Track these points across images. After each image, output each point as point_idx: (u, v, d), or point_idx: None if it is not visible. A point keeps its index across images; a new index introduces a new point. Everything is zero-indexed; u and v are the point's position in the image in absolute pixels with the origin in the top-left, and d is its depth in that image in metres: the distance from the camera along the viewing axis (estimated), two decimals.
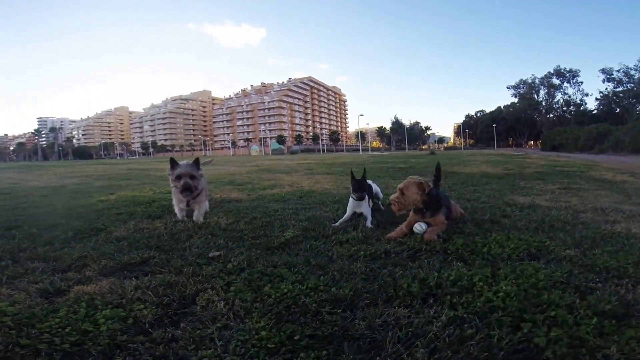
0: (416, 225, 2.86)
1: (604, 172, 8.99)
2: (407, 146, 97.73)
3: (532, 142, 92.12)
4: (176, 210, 3.64)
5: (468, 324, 1.48)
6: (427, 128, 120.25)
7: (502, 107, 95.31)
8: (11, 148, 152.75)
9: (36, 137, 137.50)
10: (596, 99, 71.42)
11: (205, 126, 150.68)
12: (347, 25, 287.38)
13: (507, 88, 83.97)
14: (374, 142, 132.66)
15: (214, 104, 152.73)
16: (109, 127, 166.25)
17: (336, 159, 21.35)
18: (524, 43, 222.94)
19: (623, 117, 58.09)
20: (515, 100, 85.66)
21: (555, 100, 77.81)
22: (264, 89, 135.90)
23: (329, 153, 67.35)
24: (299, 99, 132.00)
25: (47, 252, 2.57)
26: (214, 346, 1.38)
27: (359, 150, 79.33)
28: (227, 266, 2.19)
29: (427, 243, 2.55)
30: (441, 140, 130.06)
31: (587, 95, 75.76)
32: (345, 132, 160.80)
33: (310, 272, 2.08)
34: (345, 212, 3.48)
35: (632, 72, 61.35)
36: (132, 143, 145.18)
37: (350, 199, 3.47)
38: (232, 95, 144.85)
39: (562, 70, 74.90)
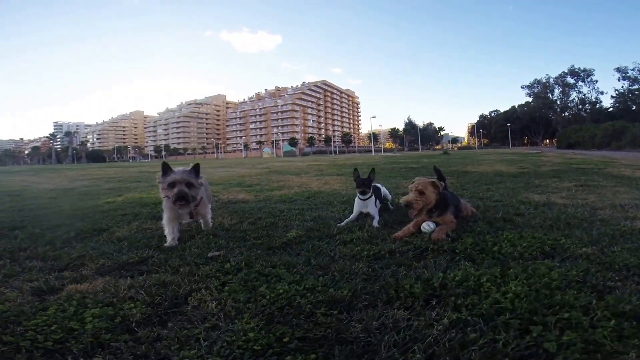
0: (424, 224, 2.77)
1: (622, 168, 8.70)
2: (420, 147, 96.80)
3: (547, 140, 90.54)
4: (166, 231, 2.79)
5: (472, 327, 1.39)
6: (441, 128, 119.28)
7: (516, 107, 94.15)
8: (26, 152, 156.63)
9: (51, 141, 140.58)
10: (612, 97, 71.25)
11: (218, 129, 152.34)
12: (360, 29, 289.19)
13: (522, 88, 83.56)
14: (387, 144, 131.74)
15: (228, 107, 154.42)
16: (124, 131, 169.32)
17: (347, 160, 21.26)
18: (537, 44, 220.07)
19: (639, 114, 56.98)
20: (530, 99, 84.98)
21: (570, 99, 77.12)
22: (277, 92, 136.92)
23: (341, 155, 67.11)
24: (312, 102, 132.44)
25: (47, 251, 2.56)
26: (198, 346, 1.32)
27: (371, 151, 78.92)
28: (224, 266, 2.13)
29: (434, 242, 2.45)
30: (455, 140, 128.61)
31: (602, 93, 74.63)
32: (358, 134, 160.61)
33: (310, 273, 2.01)
34: (352, 212, 3.41)
35: None
36: (146, 146, 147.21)
37: (357, 199, 3.40)
38: (246, 99, 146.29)
39: (577, 70, 74.54)
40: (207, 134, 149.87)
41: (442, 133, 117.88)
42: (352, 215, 3.37)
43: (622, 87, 66.51)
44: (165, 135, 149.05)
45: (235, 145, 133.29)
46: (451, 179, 6.68)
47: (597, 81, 74.18)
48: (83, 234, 3.09)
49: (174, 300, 1.71)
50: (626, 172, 7.66)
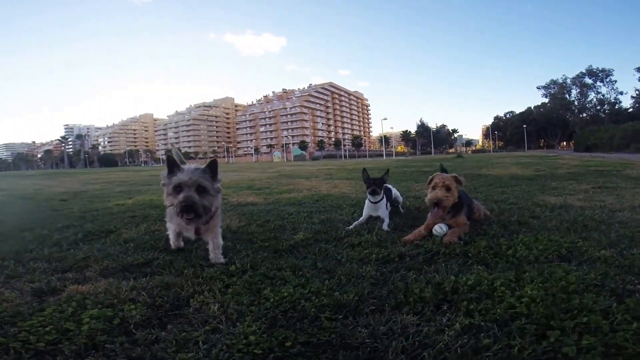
0: (436, 227, 2.67)
1: None
2: (433, 150, 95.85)
3: (564, 142, 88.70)
4: (170, 236, 2.50)
5: (485, 332, 1.32)
6: (454, 131, 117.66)
7: (532, 108, 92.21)
8: (39, 155, 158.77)
9: (63, 144, 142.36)
10: (632, 97, 69.61)
11: (228, 133, 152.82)
12: (366, 30, 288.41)
13: (537, 88, 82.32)
14: (399, 147, 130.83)
15: (237, 110, 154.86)
16: (134, 134, 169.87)
17: (358, 165, 21.14)
18: (553, 43, 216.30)
19: None
20: (546, 100, 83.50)
21: (588, 100, 75.45)
22: (285, 95, 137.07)
23: (351, 159, 66.85)
24: (320, 104, 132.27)
25: (52, 253, 2.56)
26: (196, 349, 1.28)
27: (382, 155, 78.44)
28: (229, 268, 2.09)
29: (446, 246, 2.37)
30: (469, 143, 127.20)
31: (621, 93, 73.01)
32: (369, 137, 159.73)
33: (316, 276, 1.95)
34: (362, 215, 3.34)
35: None
36: (157, 150, 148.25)
37: (367, 201, 3.31)
38: (254, 102, 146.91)
39: (595, 70, 73.02)
40: (217, 137, 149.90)
41: (455, 135, 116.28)
42: (361, 218, 3.29)
43: None
44: (175, 138, 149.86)
45: (246, 149, 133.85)
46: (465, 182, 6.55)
47: (616, 81, 72.78)
48: (91, 236, 3.09)
49: (175, 302, 1.68)
50: None
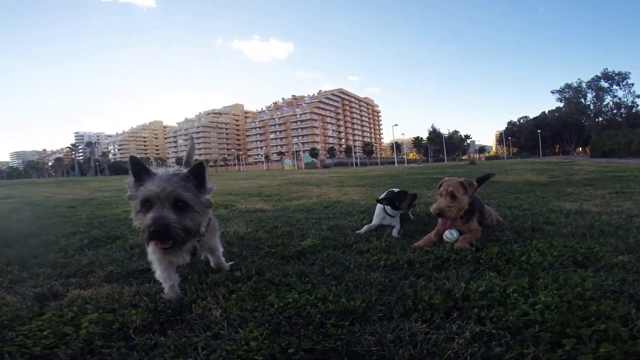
0: (446, 232, 2.60)
1: None
2: (445, 157, 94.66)
3: (580, 148, 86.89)
4: (158, 275, 1.80)
5: (497, 340, 1.26)
6: (467, 137, 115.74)
7: (546, 113, 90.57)
8: (49, 163, 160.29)
9: (73, 152, 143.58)
10: None
11: (238, 140, 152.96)
12: (375, 36, 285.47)
13: (552, 93, 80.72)
14: (411, 154, 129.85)
15: (246, 117, 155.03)
16: (144, 141, 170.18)
17: (369, 172, 21.03)
18: (567, 47, 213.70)
19: None
20: (561, 104, 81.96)
21: (604, 104, 73.69)
22: (295, 101, 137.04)
23: (362, 167, 66.59)
24: (330, 110, 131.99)
25: (57, 258, 2.57)
26: (195, 355, 1.25)
27: (394, 162, 77.97)
28: (234, 274, 2.06)
29: (457, 252, 2.31)
30: (482, 149, 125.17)
31: (638, 97, 71.14)
32: (380, 144, 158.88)
33: (322, 282, 1.91)
34: (372, 221, 3.29)
35: None
36: (167, 158, 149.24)
37: (378, 207, 3.25)
38: (264, 108, 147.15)
39: (611, 73, 71.34)
40: (227, 144, 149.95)
41: (468, 141, 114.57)
42: (371, 224, 3.25)
43: None
44: (186, 146, 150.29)
45: (256, 157, 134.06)
46: (478, 189, 6.44)
47: (633, 84, 70.88)
48: (97, 242, 3.11)
49: (177, 307, 1.66)
50: None
